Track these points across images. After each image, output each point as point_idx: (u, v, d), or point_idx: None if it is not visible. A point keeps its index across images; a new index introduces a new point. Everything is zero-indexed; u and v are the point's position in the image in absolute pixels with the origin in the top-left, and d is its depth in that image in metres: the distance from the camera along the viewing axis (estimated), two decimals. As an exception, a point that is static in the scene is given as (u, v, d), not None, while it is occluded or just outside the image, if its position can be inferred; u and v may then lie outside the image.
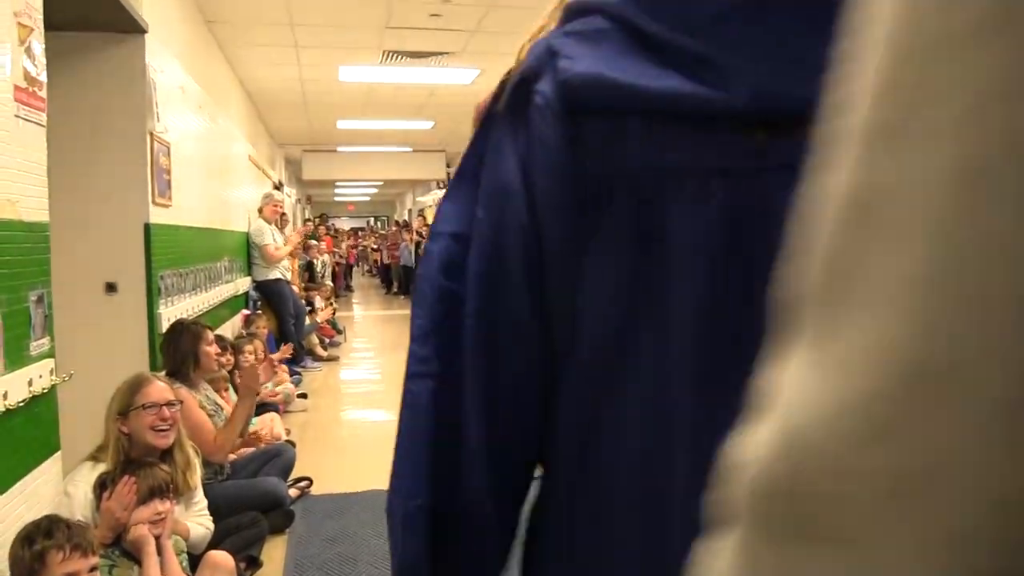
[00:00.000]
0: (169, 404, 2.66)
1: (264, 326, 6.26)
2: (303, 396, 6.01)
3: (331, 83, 7.47)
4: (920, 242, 0.23)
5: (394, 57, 6.54)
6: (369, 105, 8.54)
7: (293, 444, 4.83)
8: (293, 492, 3.85)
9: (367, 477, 3.86)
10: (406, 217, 20.73)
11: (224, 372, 4.15)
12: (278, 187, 10.19)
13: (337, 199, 26.06)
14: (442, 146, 12.47)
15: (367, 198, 26.24)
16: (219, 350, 3.77)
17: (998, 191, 0.22)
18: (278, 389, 5.76)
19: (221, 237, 5.77)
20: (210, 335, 3.66)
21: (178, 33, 4.53)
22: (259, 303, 7.20)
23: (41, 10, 2.34)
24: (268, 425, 4.53)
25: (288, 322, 7.32)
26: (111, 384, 3.55)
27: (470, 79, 7.34)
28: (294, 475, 3.98)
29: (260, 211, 7.35)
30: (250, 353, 5.02)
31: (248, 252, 7.21)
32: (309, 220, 15.33)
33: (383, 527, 0.73)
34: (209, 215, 5.30)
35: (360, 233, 23.83)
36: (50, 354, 2.36)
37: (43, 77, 2.35)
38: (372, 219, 28.25)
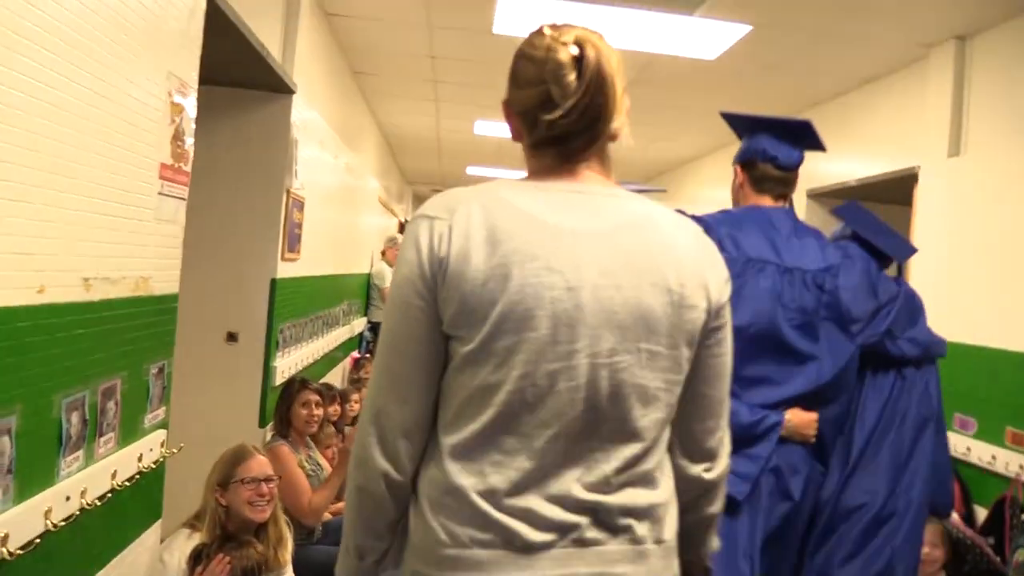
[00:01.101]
0: (268, 479, 2.64)
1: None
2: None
3: (465, 134, 7.55)
4: None
5: (530, 116, 6.53)
6: (500, 156, 8.59)
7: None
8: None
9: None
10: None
11: (330, 427, 4.15)
12: (403, 227, 10.36)
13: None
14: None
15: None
16: (318, 403, 3.74)
17: None
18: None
19: (343, 282, 5.86)
20: (305, 395, 3.65)
21: (322, 84, 4.65)
22: (372, 344, 7.29)
23: (196, 85, 2.39)
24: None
25: (397, 365, 7.37)
26: (222, 433, 3.60)
27: (604, 142, 7.26)
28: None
29: (383, 253, 7.47)
30: (356, 402, 5.03)
31: (367, 292, 7.33)
32: None
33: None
34: (334, 261, 5.39)
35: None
36: (163, 424, 2.37)
37: (190, 147, 2.39)
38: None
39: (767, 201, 2.30)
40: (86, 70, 1.71)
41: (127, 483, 2.06)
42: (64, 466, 1.78)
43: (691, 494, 1.31)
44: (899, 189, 4.49)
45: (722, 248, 1.74)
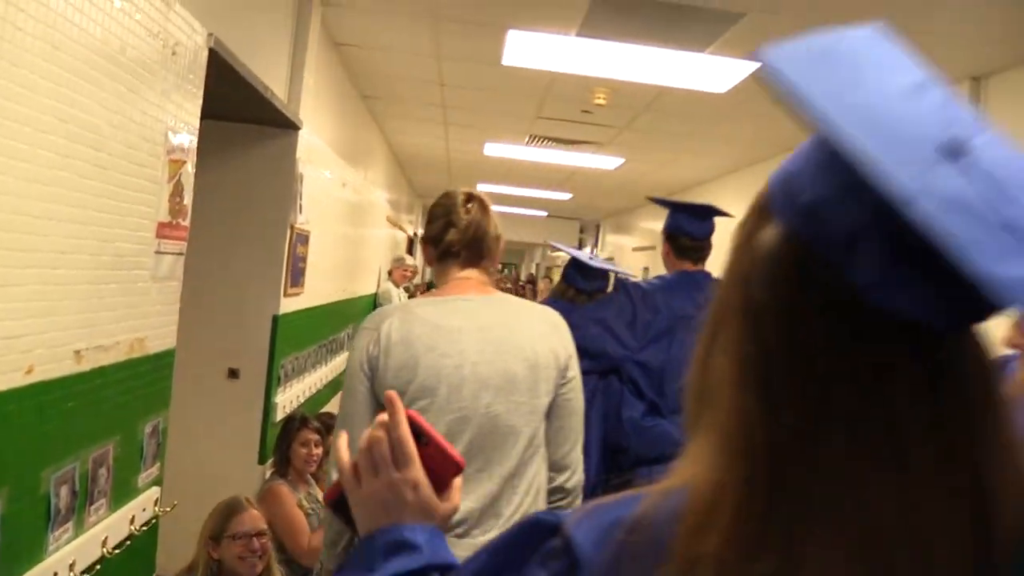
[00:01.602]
0: (259, 534, 2.61)
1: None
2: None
3: (475, 155, 7.53)
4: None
5: (540, 140, 6.50)
6: (510, 175, 8.56)
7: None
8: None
9: None
10: (532, 271, 20.74)
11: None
12: (412, 241, 10.34)
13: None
14: (577, 214, 12.39)
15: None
16: (317, 442, 3.70)
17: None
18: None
19: (347, 307, 5.83)
20: (304, 434, 3.61)
21: (330, 108, 4.63)
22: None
23: (196, 138, 2.36)
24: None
25: (403, 386, 7.35)
26: (221, 471, 3.58)
27: (614, 166, 7.22)
28: None
29: (390, 273, 7.44)
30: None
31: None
32: None
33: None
34: (339, 289, 5.37)
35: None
36: (157, 482, 2.34)
37: (188, 202, 2.37)
38: (499, 265, 28.48)
39: (688, 265, 2.87)
40: (82, 143, 1.69)
41: (117, 550, 2.03)
42: (52, 540, 1.75)
43: (556, 498, 1.85)
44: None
45: (657, 309, 2.76)
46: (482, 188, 10.11)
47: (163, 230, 2.18)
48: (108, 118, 1.80)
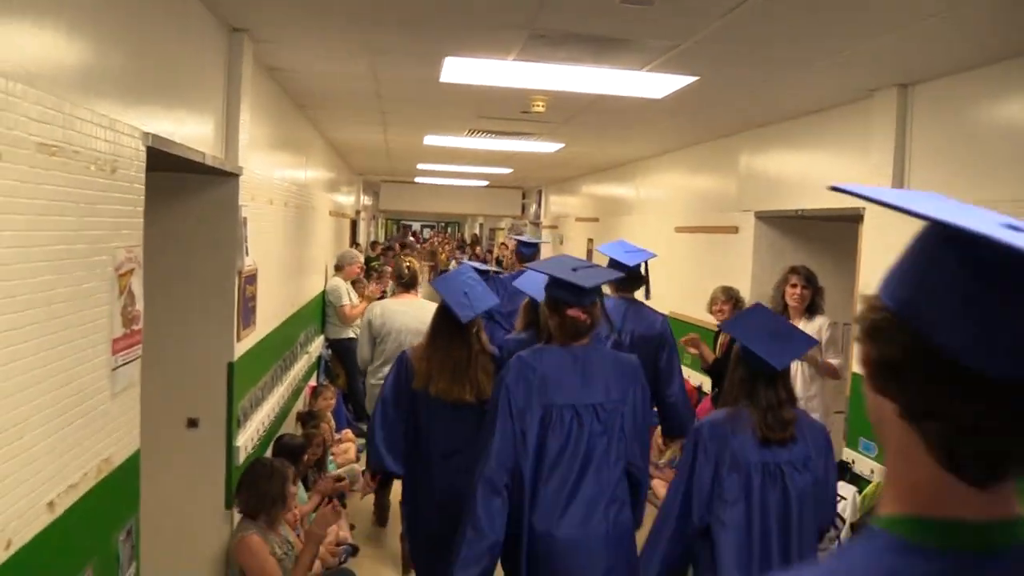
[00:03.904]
0: None
1: (331, 398, 6.29)
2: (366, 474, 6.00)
3: (415, 146, 7.47)
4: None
5: (480, 133, 6.48)
6: (450, 156, 8.51)
7: (357, 548, 4.86)
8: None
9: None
10: (476, 232, 20.74)
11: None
12: (355, 224, 10.24)
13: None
14: (518, 184, 12.39)
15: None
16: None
17: None
18: (342, 471, 5.78)
19: (299, 317, 5.82)
20: (291, 472, 3.67)
21: (266, 122, 4.53)
22: (329, 363, 7.26)
23: (141, 244, 2.34)
24: (334, 532, 4.54)
25: (358, 380, 7.37)
26: (188, 518, 3.61)
27: (554, 150, 7.24)
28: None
29: (339, 269, 7.37)
30: (318, 446, 5.04)
31: (323, 310, 7.27)
32: (384, 251, 13.81)
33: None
34: (289, 303, 5.35)
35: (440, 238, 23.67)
36: (134, 582, 2.38)
37: (140, 305, 2.36)
38: (443, 224, 28.35)
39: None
40: (37, 305, 1.68)
41: (103, 668, 2.08)
42: None
43: None
44: (846, 229, 4.59)
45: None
46: (422, 167, 10.05)
47: (118, 344, 2.18)
48: (57, 266, 1.78)
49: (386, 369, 4.51)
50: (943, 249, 0.74)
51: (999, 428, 0.68)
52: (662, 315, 4.18)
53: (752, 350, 2.55)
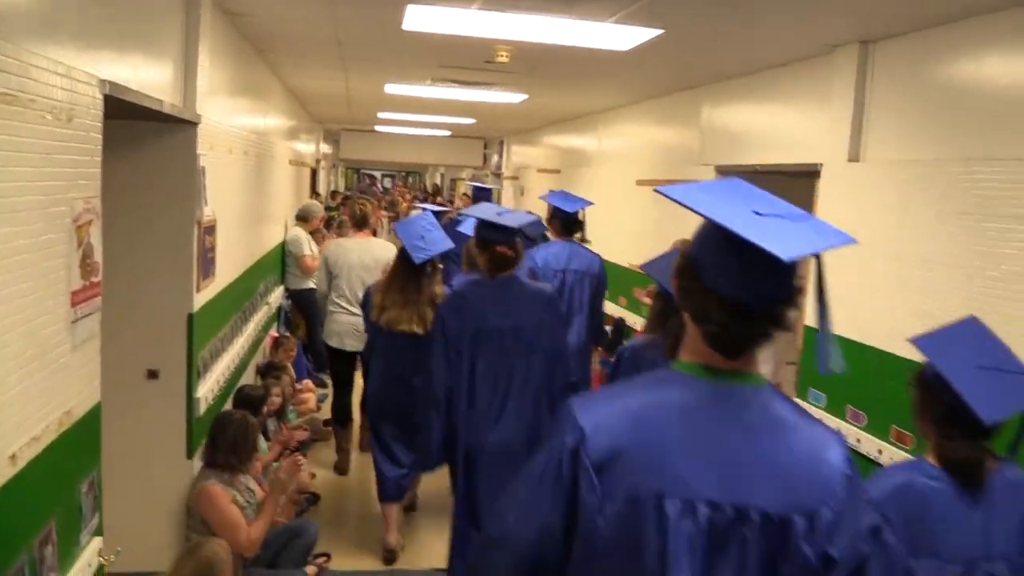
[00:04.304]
0: None
1: (292, 349, 6.28)
2: (327, 423, 6.03)
3: (376, 93, 7.35)
4: None
5: (442, 82, 6.40)
6: (412, 105, 8.40)
7: (317, 497, 4.91)
8: (311, 570, 3.89)
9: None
10: (437, 182, 20.56)
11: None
12: (315, 172, 10.09)
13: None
14: (481, 135, 12.27)
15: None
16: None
17: None
18: (303, 421, 5.80)
19: (259, 268, 5.77)
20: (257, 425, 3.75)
21: (224, 68, 4.43)
22: (289, 314, 7.22)
23: (99, 195, 2.30)
24: (295, 478, 4.56)
25: (319, 331, 7.34)
26: (149, 469, 3.61)
27: (518, 100, 7.19)
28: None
29: (304, 220, 7.28)
30: (277, 395, 5.05)
31: (283, 260, 7.20)
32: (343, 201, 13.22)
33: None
34: (248, 253, 5.29)
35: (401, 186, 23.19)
36: (99, 531, 2.39)
37: (99, 256, 2.32)
38: (404, 174, 27.99)
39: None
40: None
41: (69, 618, 2.09)
42: (8, 633, 1.81)
43: None
44: (805, 184, 4.66)
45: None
46: (384, 116, 9.90)
47: (77, 297, 2.15)
48: (14, 218, 1.75)
49: (341, 301, 5.46)
50: (710, 228, 1.35)
51: (733, 326, 1.30)
52: (599, 256, 4.73)
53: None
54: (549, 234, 4.85)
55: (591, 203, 4.84)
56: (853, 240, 1.33)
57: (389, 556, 4.23)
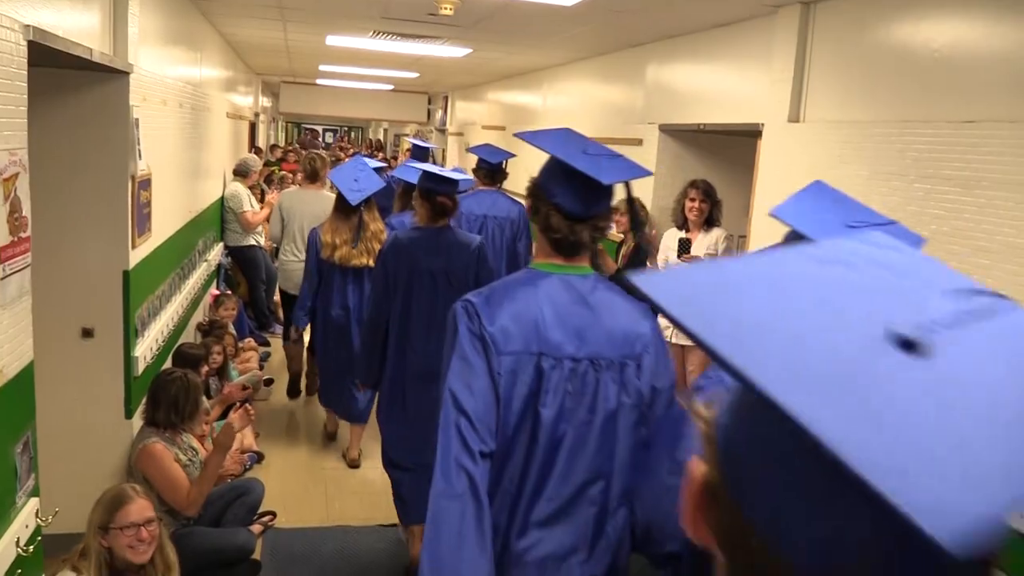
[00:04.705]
0: (148, 522, 2.67)
1: (233, 307, 6.17)
2: (269, 382, 5.98)
3: (318, 46, 7.17)
4: None
5: (385, 35, 6.27)
6: (354, 58, 8.23)
7: (262, 455, 4.88)
8: (256, 528, 3.88)
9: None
10: (380, 138, 20.22)
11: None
12: (253, 126, 9.85)
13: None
14: (425, 89, 12.08)
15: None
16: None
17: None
18: (245, 379, 5.74)
19: (197, 224, 5.63)
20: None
21: (156, 17, 4.27)
22: (229, 271, 7.09)
23: (26, 147, 2.21)
24: (239, 440, 4.53)
25: (259, 288, 7.25)
26: (88, 430, 3.55)
27: (462, 55, 7.09)
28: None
29: (243, 176, 7.10)
30: (218, 354, 4.98)
31: (222, 216, 7.04)
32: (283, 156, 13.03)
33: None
34: (186, 209, 5.16)
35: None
36: (35, 492, 2.34)
37: (27, 210, 2.24)
38: (346, 129, 27.46)
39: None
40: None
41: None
42: (-59, 596, 1.78)
43: None
44: (746, 143, 4.72)
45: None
46: (325, 68, 9.67)
47: (6, 252, 2.08)
48: (-64, 171, 1.68)
49: (291, 247, 5.83)
50: (553, 162, 1.84)
51: (570, 233, 1.78)
52: (520, 204, 4.99)
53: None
54: (476, 184, 5.24)
55: (513, 155, 5.15)
56: (649, 172, 2.00)
57: (354, 464, 4.87)
